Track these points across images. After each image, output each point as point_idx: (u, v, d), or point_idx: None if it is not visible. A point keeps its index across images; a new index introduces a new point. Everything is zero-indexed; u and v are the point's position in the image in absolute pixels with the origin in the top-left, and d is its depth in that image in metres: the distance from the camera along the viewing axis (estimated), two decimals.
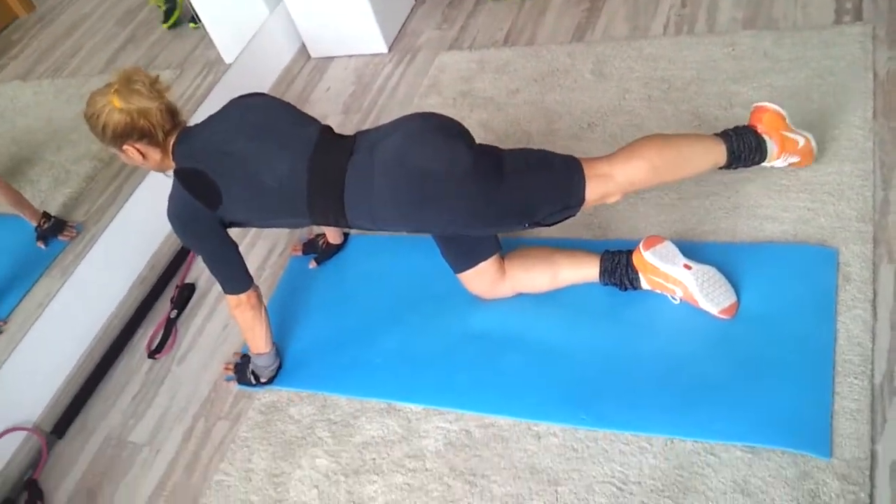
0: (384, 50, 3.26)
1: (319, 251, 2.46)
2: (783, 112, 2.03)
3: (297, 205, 1.85)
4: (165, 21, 3.73)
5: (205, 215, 1.86)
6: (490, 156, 1.83)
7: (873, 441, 1.61)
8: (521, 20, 3.14)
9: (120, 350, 2.45)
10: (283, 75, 3.37)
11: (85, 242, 2.63)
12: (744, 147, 1.97)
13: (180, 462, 2.09)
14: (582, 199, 1.84)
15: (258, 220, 1.96)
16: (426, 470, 1.86)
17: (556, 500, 1.72)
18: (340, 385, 2.10)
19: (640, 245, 1.92)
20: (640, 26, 2.85)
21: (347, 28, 3.23)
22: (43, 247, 2.70)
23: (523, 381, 1.93)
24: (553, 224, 1.90)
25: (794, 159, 2.06)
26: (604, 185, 1.84)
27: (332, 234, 2.43)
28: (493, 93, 2.83)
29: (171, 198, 1.89)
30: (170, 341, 2.42)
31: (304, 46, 3.44)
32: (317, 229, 2.55)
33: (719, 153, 1.96)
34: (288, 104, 1.98)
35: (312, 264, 2.45)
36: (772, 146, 2.00)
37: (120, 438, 2.21)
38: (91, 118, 1.83)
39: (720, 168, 2.00)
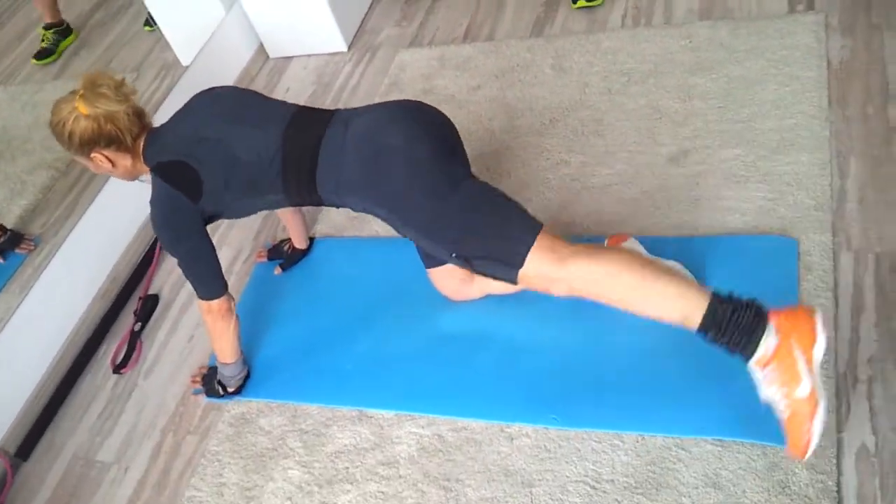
0: (343, 48, 3.23)
1: (285, 257, 2.43)
2: (821, 338, 1.47)
3: (272, 180, 1.82)
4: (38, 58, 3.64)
5: (188, 209, 1.82)
6: (457, 163, 1.79)
7: (839, 429, 1.64)
8: (480, 15, 3.12)
9: (84, 366, 2.41)
10: (242, 76, 3.32)
11: (43, 256, 2.58)
12: (730, 323, 1.50)
13: (150, 479, 2.06)
14: (520, 261, 1.62)
15: (235, 204, 1.90)
16: (400, 477, 1.85)
17: (531, 501, 1.72)
18: (310, 394, 2.08)
19: (605, 242, 1.93)
20: (598, 19, 2.85)
21: (306, 27, 3.19)
22: (1, 261, 2.64)
23: (494, 382, 1.93)
24: (481, 273, 1.72)
25: (779, 394, 1.48)
26: (550, 265, 1.61)
27: (298, 239, 2.40)
28: (454, 90, 2.82)
29: (154, 196, 1.84)
30: (134, 355, 2.38)
31: (262, 46, 3.40)
32: (281, 235, 2.53)
33: (695, 310, 1.52)
34: (256, 92, 1.98)
35: (278, 270, 2.42)
36: (769, 343, 1.48)
37: (87, 458, 2.17)
38: (57, 127, 1.79)
39: (692, 330, 1.55)
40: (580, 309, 1.97)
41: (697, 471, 1.66)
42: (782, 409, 1.49)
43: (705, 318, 1.51)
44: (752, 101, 2.32)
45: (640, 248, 1.91)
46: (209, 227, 1.91)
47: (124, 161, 1.86)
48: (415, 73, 2.95)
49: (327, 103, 2.99)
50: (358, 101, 2.94)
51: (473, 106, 2.71)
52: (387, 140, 1.74)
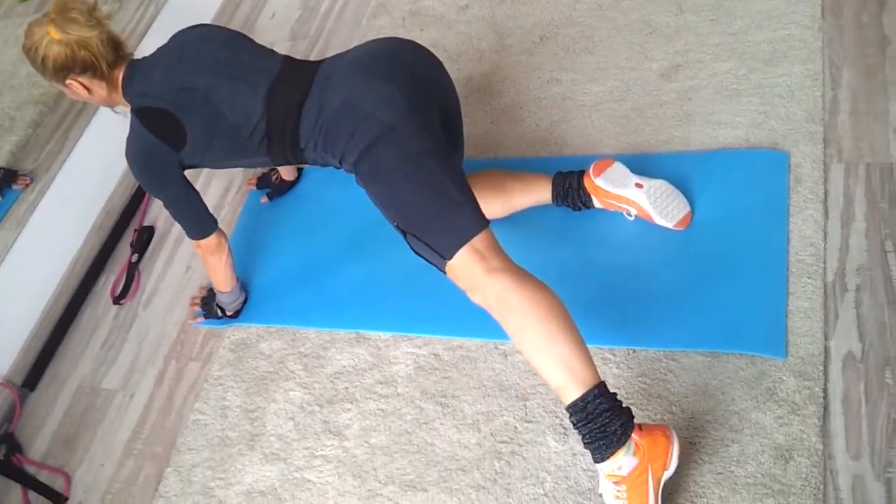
0: None
1: (272, 186, 2.43)
2: (672, 465, 1.49)
3: (257, 144, 1.79)
4: None
5: (168, 157, 1.80)
6: (430, 129, 1.66)
7: (826, 337, 1.67)
8: None
9: (84, 298, 2.44)
10: (226, 2, 3.25)
11: (37, 191, 2.57)
12: (598, 418, 1.45)
13: (155, 405, 2.12)
14: (450, 254, 1.57)
15: (217, 159, 1.88)
16: (398, 395, 1.90)
17: (526, 414, 1.77)
18: (308, 317, 2.11)
19: (590, 170, 1.92)
20: None
21: None
22: None
23: None
24: (415, 252, 1.66)
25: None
26: (475, 270, 1.55)
27: (286, 170, 2.40)
28: (442, 10, 2.77)
29: (131, 139, 1.81)
30: (133, 286, 2.41)
31: None
32: None
33: (574, 388, 1.47)
34: (244, 35, 1.90)
35: (264, 200, 2.42)
36: (627, 462, 1.46)
37: (93, 386, 2.22)
38: (30, 51, 1.75)
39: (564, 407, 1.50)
40: (569, 228, 2.01)
41: (687, 381, 1.70)
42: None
43: (577, 402, 1.45)
44: (744, 12, 2.28)
45: (626, 171, 1.91)
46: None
47: (100, 89, 1.82)
48: None
49: (314, 28, 2.94)
50: (345, 24, 2.89)
51: (462, 26, 2.67)
52: (363, 105, 1.64)
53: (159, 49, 1.88)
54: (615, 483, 1.47)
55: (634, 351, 1.78)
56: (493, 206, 1.99)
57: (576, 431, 1.49)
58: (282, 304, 2.17)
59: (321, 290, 2.15)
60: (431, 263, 1.64)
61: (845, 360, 1.63)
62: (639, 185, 1.89)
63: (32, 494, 2.05)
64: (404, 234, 1.65)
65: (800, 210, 1.85)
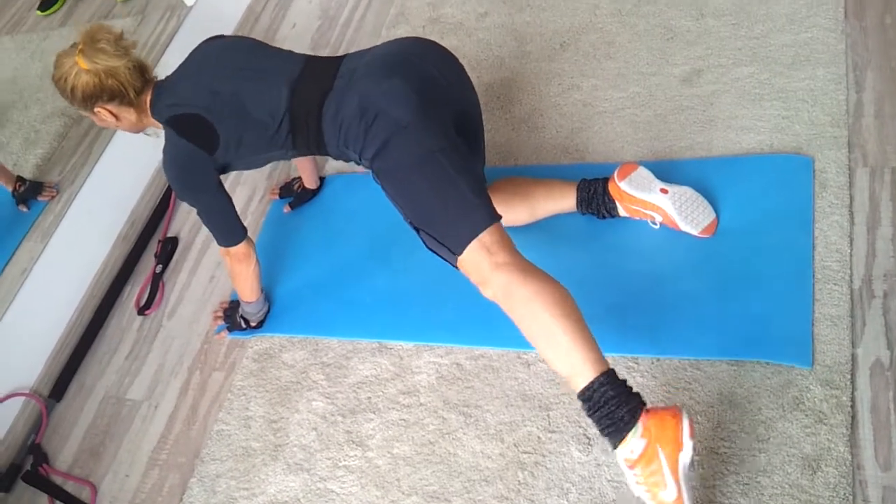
0: None
1: (295, 196, 2.44)
2: (687, 445, 1.46)
3: (283, 137, 1.82)
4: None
5: (204, 161, 1.83)
6: (443, 126, 1.68)
7: (853, 345, 1.65)
8: None
9: (109, 309, 2.47)
10: (247, 14, 3.28)
11: (62, 203, 2.60)
12: (605, 405, 1.48)
13: (180, 415, 2.13)
14: (458, 248, 1.61)
15: (244, 156, 1.89)
16: (421, 405, 1.89)
17: (549, 424, 1.76)
18: (331, 327, 2.12)
19: (615, 175, 1.91)
20: None
21: None
22: (25, 210, 2.67)
23: None
24: (428, 248, 1.70)
25: (646, 496, 1.47)
26: (484, 264, 1.59)
27: (308, 179, 2.41)
28: (461, 17, 2.77)
29: (168, 150, 1.84)
30: (158, 297, 2.43)
31: None
32: (293, 173, 2.53)
33: (582, 376, 1.51)
34: (261, 42, 1.95)
35: (287, 209, 2.44)
36: (636, 445, 1.46)
37: (118, 397, 2.24)
38: (59, 81, 1.79)
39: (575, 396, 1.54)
40: (594, 236, 2.00)
41: (712, 390, 1.68)
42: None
43: (585, 389, 1.48)
44: (765, 16, 2.26)
45: (650, 176, 1.90)
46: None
47: (128, 115, 1.86)
48: (421, 2, 2.90)
49: (334, 37, 2.95)
50: (365, 34, 2.90)
51: (482, 33, 2.67)
52: (377, 102, 1.68)
53: (180, 66, 1.92)
54: (630, 468, 1.47)
55: (659, 360, 1.77)
56: (519, 212, 2.00)
57: (591, 421, 1.51)
58: (304, 313, 2.18)
59: (343, 300, 2.15)
60: (445, 259, 1.68)
61: (873, 368, 1.61)
62: (664, 191, 1.88)
63: None
64: (417, 230, 1.70)
65: (825, 216, 1.82)
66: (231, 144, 1.83)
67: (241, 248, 1.97)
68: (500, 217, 1.64)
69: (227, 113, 1.80)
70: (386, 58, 1.77)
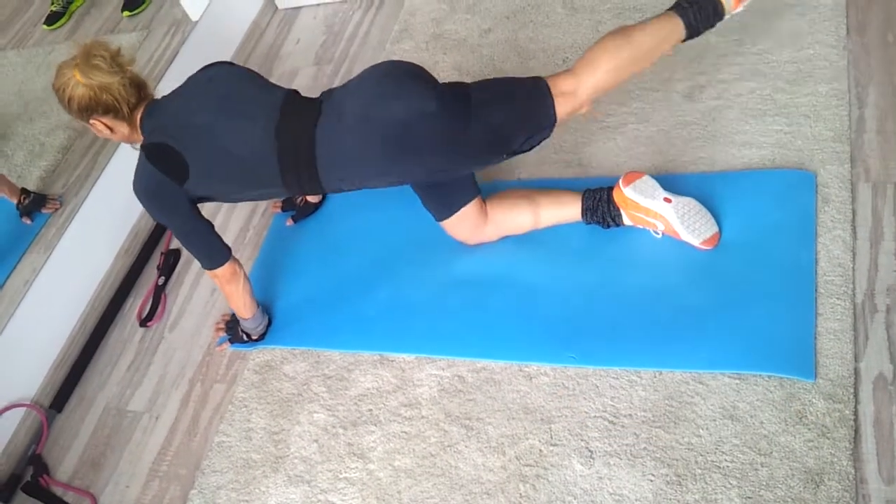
0: None
1: (297, 209, 2.45)
2: None
3: (268, 175, 1.84)
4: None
5: (172, 190, 1.85)
6: (456, 93, 1.80)
7: (856, 359, 1.64)
8: None
9: (111, 321, 2.46)
10: (252, 30, 3.30)
11: (65, 216, 2.61)
12: (701, 16, 1.80)
13: (180, 426, 2.12)
14: (554, 119, 1.81)
15: (229, 192, 1.95)
16: (422, 417, 1.89)
17: (551, 437, 1.75)
18: (332, 340, 2.12)
19: (620, 181, 1.92)
20: None
21: None
22: (29, 222, 2.68)
23: (512, 323, 1.95)
24: (529, 150, 1.87)
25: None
26: (571, 100, 1.80)
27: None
28: (465, 34, 2.79)
29: (136, 174, 1.88)
30: (160, 309, 2.43)
31: None
32: None
33: (678, 31, 1.81)
34: (253, 72, 1.97)
35: (289, 222, 2.45)
36: None
37: (119, 408, 2.24)
38: (58, 91, 1.82)
39: (682, 41, 1.84)
40: (597, 247, 2.00)
41: (715, 403, 1.68)
42: None
43: (688, 29, 1.79)
44: (767, 32, 2.27)
45: (655, 184, 1.91)
46: None
47: (122, 129, 1.88)
48: (425, 17, 2.92)
49: (338, 53, 2.97)
50: (369, 49, 2.92)
51: (485, 49, 2.69)
52: (391, 115, 1.75)
53: (175, 89, 1.95)
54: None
55: (661, 373, 1.76)
56: (523, 219, 2.02)
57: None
58: (306, 326, 2.17)
59: (345, 313, 2.15)
60: (542, 140, 1.87)
61: (876, 381, 1.61)
62: (667, 200, 1.88)
63: None
64: (517, 152, 1.88)
65: (828, 230, 1.83)
66: (205, 178, 1.86)
67: (227, 269, 1.98)
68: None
69: (199, 147, 1.83)
70: (369, 80, 1.83)
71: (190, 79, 1.95)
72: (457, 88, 1.82)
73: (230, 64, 2.00)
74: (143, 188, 1.88)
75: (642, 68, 1.85)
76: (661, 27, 1.80)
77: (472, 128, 1.77)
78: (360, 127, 1.77)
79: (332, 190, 1.89)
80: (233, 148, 1.82)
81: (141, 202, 1.90)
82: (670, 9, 1.81)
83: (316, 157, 1.80)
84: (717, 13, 1.80)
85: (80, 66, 1.76)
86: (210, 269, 1.98)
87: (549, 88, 1.79)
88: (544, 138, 1.85)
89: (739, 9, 1.83)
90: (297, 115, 1.83)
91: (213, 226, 1.97)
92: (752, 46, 2.27)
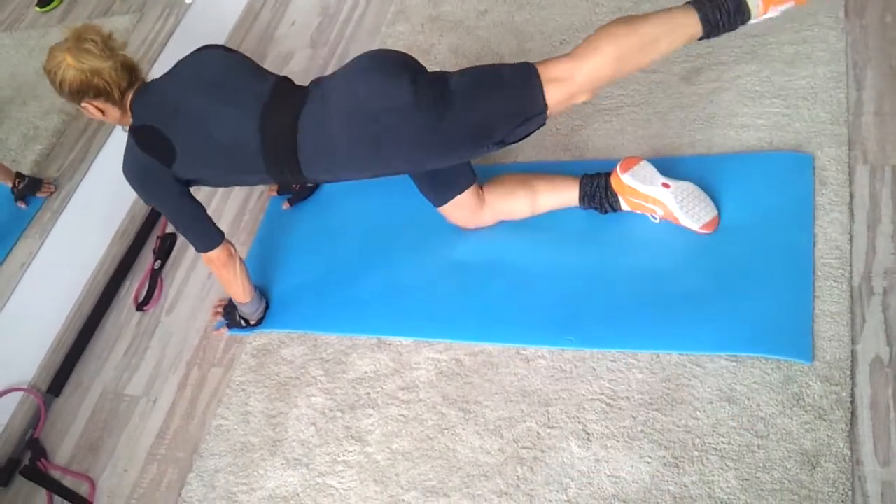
0: None
1: (293, 192, 2.44)
2: None
3: (252, 163, 1.84)
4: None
5: (160, 172, 1.85)
6: (434, 84, 1.74)
7: (853, 341, 1.65)
8: None
9: (107, 305, 2.46)
10: (246, 12, 3.27)
11: (61, 199, 2.60)
12: (721, 13, 1.68)
13: (178, 410, 2.13)
14: (543, 107, 1.71)
15: (217, 177, 1.95)
16: (420, 400, 1.89)
17: (548, 420, 1.76)
18: (330, 323, 2.12)
19: (618, 167, 1.92)
20: None
21: None
22: (24, 206, 2.67)
23: (509, 306, 1.95)
24: (520, 140, 1.80)
25: (788, 5, 1.70)
26: (565, 87, 1.70)
27: None
28: (461, 15, 2.77)
29: (125, 157, 1.88)
30: (156, 293, 2.42)
31: None
32: None
33: (692, 25, 1.69)
34: (245, 57, 1.96)
35: (286, 205, 2.44)
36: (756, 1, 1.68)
37: (116, 392, 2.24)
38: (49, 73, 1.82)
39: (700, 39, 1.73)
40: (594, 232, 2.00)
41: (712, 386, 1.68)
42: (790, 5, 1.70)
43: (705, 25, 1.68)
44: None
45: (653, 170, 1.90)
46: None
47: (113, 112, 1.88)
48: None
49: (333, 35, 2.95)
50: (365, 32, 2.90)
51: (482, 31, 2.67)
52: (368, 106, 1.73)
53: (166, 72, 1.94)
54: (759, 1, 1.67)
55: (658, 355, 1.76)
56: (521, 204, 2.02)
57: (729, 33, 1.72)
58: (303, 309, 2.17)
59: (343, 296, 2.15)
60: (534, 130, 1.80)
61: (872, 364, 1.61)
62: (666, 185, 1.88)
63: (57, 499, 2.07)
64: (504, 143, 1.81)
65: (825, 213, 1.83)
66: (193, 163, 1.86)
67: (221, 253, 1.98)
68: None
69: (186, 132, 1.83)
70: (354, 70, 1.81)
71: (181, 61, 1.94)
72: (435, 79, 1.77)
73: (222, 48, 1.99)
74: (132, 170, 1.88)
75: (650, 60, 1.74)
76: (674, 18, 1.69)
77: (449, 119, 1.72)
78: (341, 120, 1.75)
79: (315, 181, 1.89)
80: (217, 134, 1.82)
81: (130, 184, 1.90)
82: (688, 2, 1.71)
83: (298, 148, 1.79)
84: (741, 12, 1.67)
85: (71, 49, 1.76)
86: (204, 251, 1.97)
87: (537, 74, 1.71)
88: (536, 127, 1.78)
89: (770, 14, 1.70)
90: (283, 105, 1.82)
91: (204, 209, 1.96)
92: (749, 28, 2.22)
